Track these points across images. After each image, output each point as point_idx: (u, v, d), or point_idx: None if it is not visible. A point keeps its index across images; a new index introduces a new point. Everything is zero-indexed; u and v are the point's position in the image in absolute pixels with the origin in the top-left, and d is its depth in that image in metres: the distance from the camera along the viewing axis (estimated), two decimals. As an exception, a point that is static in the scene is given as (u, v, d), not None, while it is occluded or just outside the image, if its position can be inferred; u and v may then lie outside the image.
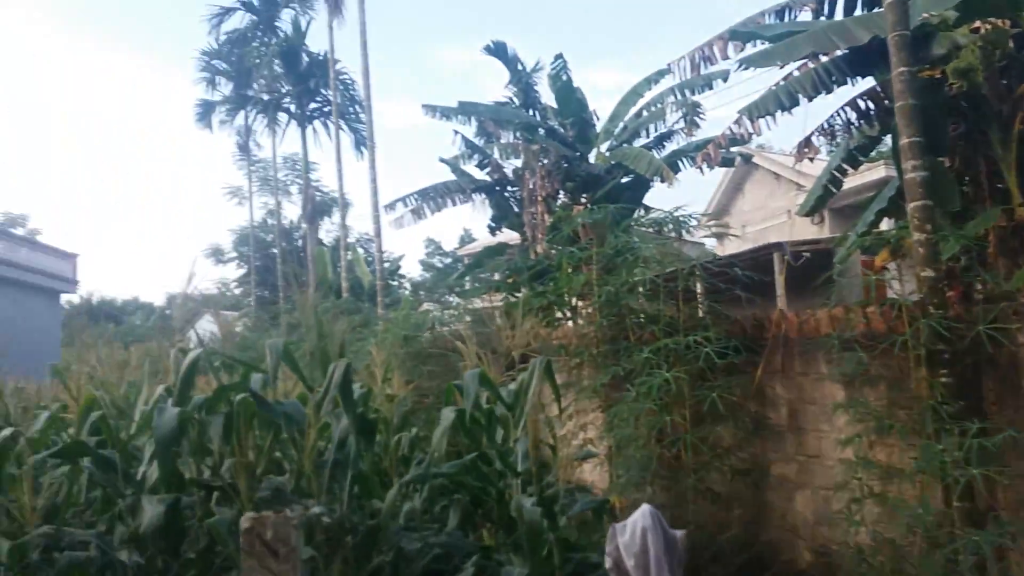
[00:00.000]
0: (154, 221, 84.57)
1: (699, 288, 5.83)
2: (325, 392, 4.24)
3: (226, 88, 29.27)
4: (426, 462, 4.32)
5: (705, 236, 11.24)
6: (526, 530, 3.59)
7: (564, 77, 13.41)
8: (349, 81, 27.37)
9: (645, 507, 3.18)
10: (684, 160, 12.68)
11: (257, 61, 26.78)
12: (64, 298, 24.81)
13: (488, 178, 14.16)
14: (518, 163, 13.54)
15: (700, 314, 5.52)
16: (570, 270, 7.71)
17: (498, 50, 14.07)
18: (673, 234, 7.14)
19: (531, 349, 6.30)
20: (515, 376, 4.38)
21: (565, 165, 13.19)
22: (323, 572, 3.74)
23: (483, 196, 14.20)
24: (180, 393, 4.03)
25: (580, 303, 7.40)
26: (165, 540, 3.60)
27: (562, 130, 13.90)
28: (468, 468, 4.12)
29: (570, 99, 13.58)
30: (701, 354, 4.75)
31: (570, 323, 7.59)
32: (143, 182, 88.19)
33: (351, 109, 27.50)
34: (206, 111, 29.14)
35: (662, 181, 11.58)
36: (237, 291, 36.69)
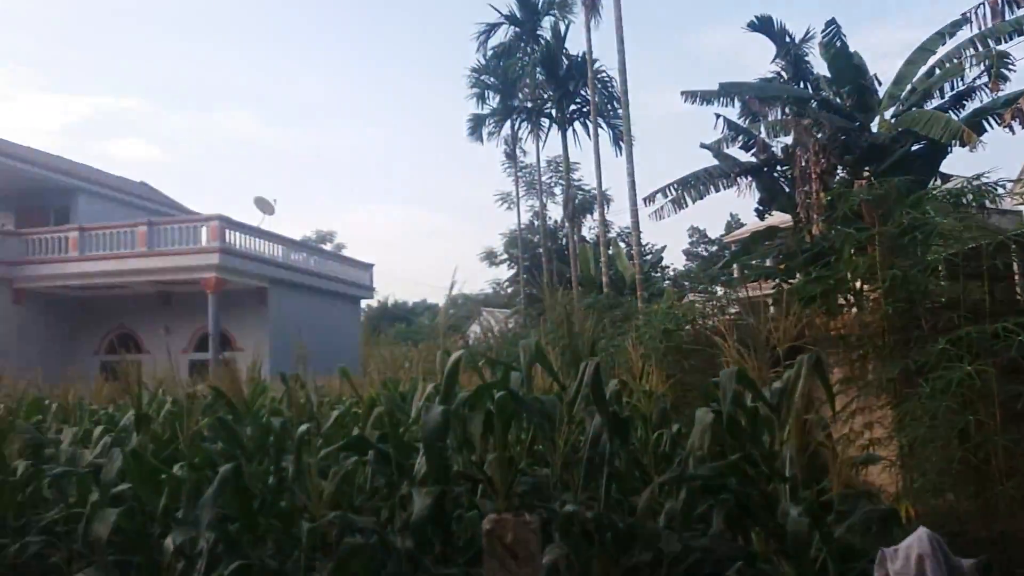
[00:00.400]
0: (440, 229, 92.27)
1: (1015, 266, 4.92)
2: (577, 390, 4.19)
3: (494, 101, 30.88)
4: (683, 461, 4.09)
5: (1020, 205, 9.62)
6: (791, 540, 3.24)
7: (838, 43, 12.28)
8: (607, 79, 27.62)
9: (922, 531, 2.69)
10: (990, 119, 11.02)
11: (519, 71, 27.93)
12: (363, 303, 27.93)
13: (754, 159, 13.42)
14: (787, 141, 12.65)
15: (1015, 296, 4.65)
16: (852, 252, 6.96)
17: (763, 25, 13.27)
18: (976, 205, 6.14)
19: (804, 341, 5.75)
20: (781, 373, 3.99)
21: (842, 137, 12.06)
22: (579, 570, 3.69)
23: (749, 179, 13.48)
24: (445, 391, 4.20)
25: (864, 288, 6.66)
26: (433, 529, 3.78)
27: (837, 100, 12.74)
28: (731, 470, 3.82)
29: (845, 66, 12.40)
30: (1013, 343, 3.98)
31: (854, 311, 6.85)
32: (429, 194, 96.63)
33: (609, 106, 27.71)
34: (477, 124, 30.99)
35: (962, 145, 10.14)
36: (509, 290, 38.73)
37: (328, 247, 41.70)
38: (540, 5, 28.55)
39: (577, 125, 29.42)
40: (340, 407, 5.75)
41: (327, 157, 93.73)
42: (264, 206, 23.38)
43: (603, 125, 27.03)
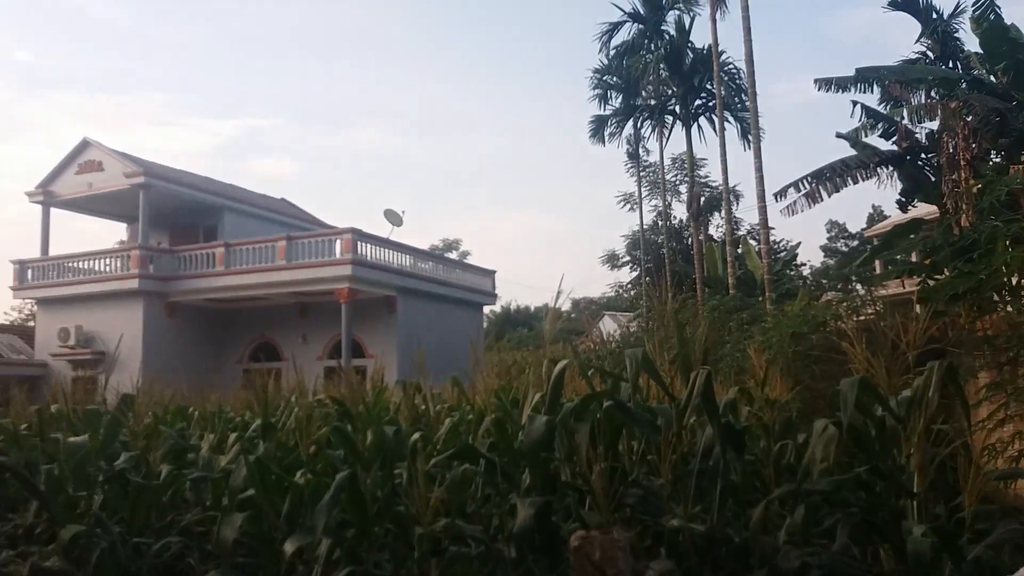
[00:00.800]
0: (562, 232, 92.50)
1: None
2: (687, 400, 4.03)
3: (616, 101, 30.53)
4: (803, 474, 3.86)
5: None
6: (912, 560, 2.97)
7: (991, 16, 11.31)
8: (733, 71, 26.74)
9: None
10: None
11: (643, 69, 27.46)
12: (487, 309, 28.34)
13: (895, 148, 12.58)
14: (932, 126, 11.78)
15: None
16: (1006, 244, 6.36)
17: (906, 2, 12.44)
18: None
19: (946, 343, 5.29)
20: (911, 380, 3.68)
21: (996, 119, 11.09)
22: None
23: (890, 169, 12.66)
24: (550, 402, 4.17)
25: (1021, 283, 6.07)
26: (537, 539, 3.74)
27: (991, 79, 11.73)
28: (853, 484, 3.56)
29: (1000, 40, 11.39)
30: None
31: (1008, 308, 6.26)
32: (552, 198, 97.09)
33: (736, 99, 26.81)
34: (599, 126, 30.73)
35: None
36: (631, 293, 38.17)
37: (454, 254, 42.66)
38: (664, 0, 28.00)
39: (702, 120, 28.66)
40: (455, 415, 5.82)
41: (454, 166, 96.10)
42: (393, 218, 24.21)
43: (730, 119, 26.20)
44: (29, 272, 23.05)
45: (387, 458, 4.63)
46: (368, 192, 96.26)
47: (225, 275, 21.46)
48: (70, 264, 22.87)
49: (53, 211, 24.35)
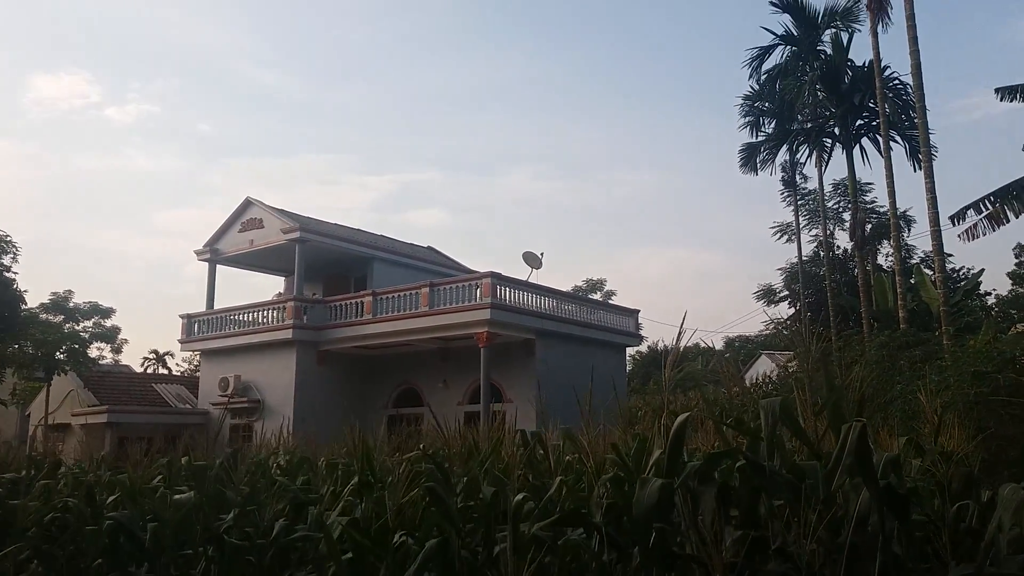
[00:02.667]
0: (712, 268, 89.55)
1: None
2: (837, 458, 3.31)
3: (769, 127, 29.08)
4: (986, 549, 3.03)
5: None
6: None
7: None
8: (899, 86, 24.72)
9: None
10: None
11: (796, 91, 25.96)
12: (631, 350, 27.41)
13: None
14: None
15: None
16: None
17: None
18: None
19: None
20: None
21: None
22: None
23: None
24: (669, 460, 3.55)
25: None
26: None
27: None
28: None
29: None
30: None
31: None
32: (701, 233, 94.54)
33: (902, 116, 24.68)
34: (750, 154, 29.31)
35: None
36: (790, 330, 35.81)
37: (598, 295, 41.98)
38: (820, 19, 26.47)
39: (865, 142, 26.60)
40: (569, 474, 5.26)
41: (599, 206, 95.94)
42: (532, 260, 24.07)
43: (896, 138, 24.14)
44: (195, 325, 24.78)
45: (486, 521, 4.16)
46: (515, 237, 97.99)
47: (372, 323, 22.03)
48: (231, 316, 24.37)
49: (222, 268, 26.22)
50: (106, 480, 6.27)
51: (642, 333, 26.15)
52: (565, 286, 37.11)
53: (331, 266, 25.85)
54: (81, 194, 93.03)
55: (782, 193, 31.35)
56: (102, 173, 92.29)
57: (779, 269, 37.74)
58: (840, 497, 3.53)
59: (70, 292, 29.56)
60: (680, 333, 4.36)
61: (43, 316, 28.32)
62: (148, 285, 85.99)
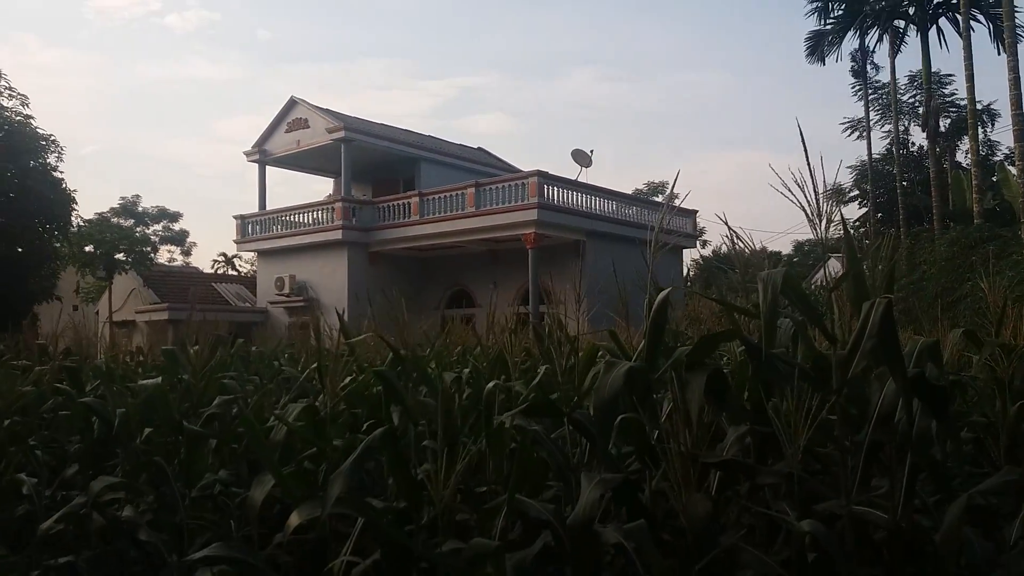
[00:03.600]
0: (780, 170, 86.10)
1: None
2: (855, 342, 2.70)
3: (838, 9, 26.73)
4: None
5: None
6: None
7: None
8: (982, -45, 22.24)
9: None
10: None
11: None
12: (688, 252, 26.45)
13: None
14: None
15: None
16: None
17: None
18: None
19: None
20: None
21: None
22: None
23: None
24: (649, 343, 2.99)
25: None
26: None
27: None
28: None
29: None
30: None
31: None
32: (768, 134, 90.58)
33: (985, -8, 22.27)
34: (817, 42, 27.16)
35: None
36: (860, 231, 34.03)
37: (660, 199, 40.63)
38: None
39: (943, 22, 24.25)
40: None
41: (664, 109, 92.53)
42: (581, 158, 23.13)
43: (977, 17, 21.85)
44: (249, 226, 24.91)
45: (457, 415, 3.72)
46: (576, 142, 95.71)
47: (419, 224, 21.69)
48: (283, 217, 24.36)
49: (284, 171, 26.12)
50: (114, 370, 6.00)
51: (705, 238, 25.19)
52: (626, 190, 35.96)
53: (379, 167, 25.43)
54: (145, 103, 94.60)
55: (852, 87, 29.15)
56: (165, 82, 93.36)
57: (849, 167, 35.60)
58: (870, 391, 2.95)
59: (138, 197, 30.16)
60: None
61: (114, 220, 29.01)
62: (216, 192, 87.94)
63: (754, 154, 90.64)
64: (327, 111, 24.35)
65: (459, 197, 21.11)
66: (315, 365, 4.00)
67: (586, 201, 21.21)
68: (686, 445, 2.93)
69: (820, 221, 3.00)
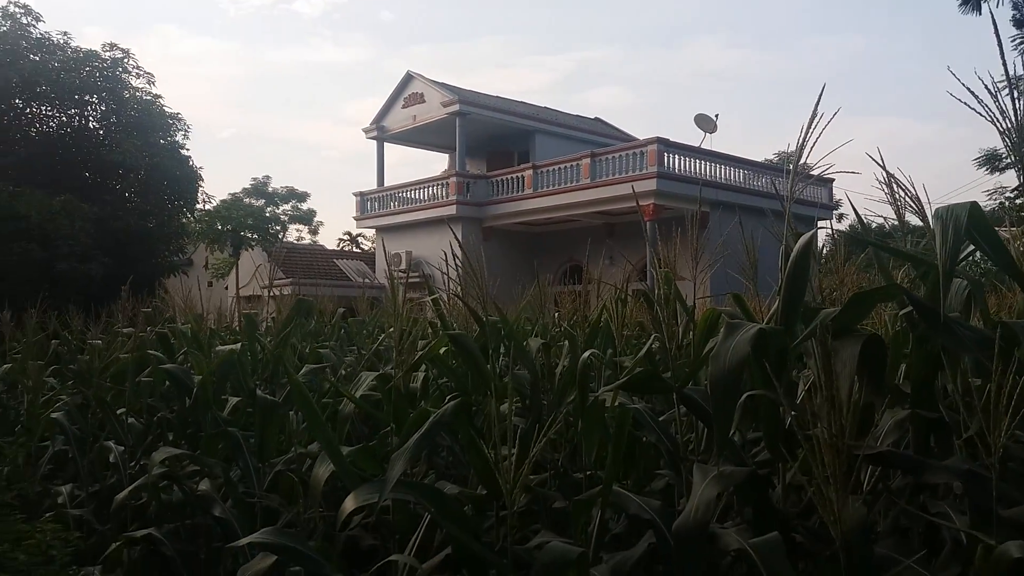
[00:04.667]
0: (927, 139, 79.89)
1: None
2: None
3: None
4: None
5: None
6: None
7: None
8: None
9: None
10: None
11: None
12: (823, 224, 24.66)
13: None
14: None
15: None
16: None
17: None
18: None
19: None
20: None
21: None
22: None
23: None
24: (784, 302, 2.35)
25: None
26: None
27: None
28: None
29: None
30: None
31: None
32: (914, 101, 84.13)
33: None
34: (973, -10, 24.44)
35: None
36: (1017, 202, 30.70)
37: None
38: None
39: None
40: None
41: (796, 76, 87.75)
42: (705, 124, 21.90)
43: None
44: (367, 203, 25.25)
45: (544, 388, 3.20)
46: (706, 110, 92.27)
47: (533, 197, 21.24)
48: (399, 194, 24.52)
49: (407, 149, 26.29)
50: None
51: (842, 211, 23.42)
52: (756, 159, 34.09)
53: (494, 141, 25.12)
54: (276, 87, 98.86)
55: (1013, 40, 26.10)
56: (294, 66, 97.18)
57: (1004, 132, 32.05)
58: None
59: (268, 177, 31.32)
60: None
61: (246, 200, 30.27)
62: (343, 173, 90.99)
63: (897, 121, 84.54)
64: (442, 85, 24.23)
65: (574, 168, 20.48)
66: (391, 330, 3.57)
67: (710, 169, 20.06)
68: (835, 432, 2.27)
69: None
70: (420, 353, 3.07)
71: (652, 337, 3.28)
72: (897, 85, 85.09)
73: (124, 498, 3.86)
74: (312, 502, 3.01)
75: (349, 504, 2.49)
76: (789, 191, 2.88)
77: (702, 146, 20.94)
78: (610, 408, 2.99)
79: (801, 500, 2.51)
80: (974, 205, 2.10)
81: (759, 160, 25.43)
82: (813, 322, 2.44)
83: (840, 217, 35.11)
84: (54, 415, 4.65)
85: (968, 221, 2.10)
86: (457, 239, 4.32)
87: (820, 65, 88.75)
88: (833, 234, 3.30)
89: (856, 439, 2.37)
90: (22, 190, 12.65)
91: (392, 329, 3.36)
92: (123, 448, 4.48)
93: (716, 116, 21.99)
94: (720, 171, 20.32)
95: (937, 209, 2.18)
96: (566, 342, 4.04)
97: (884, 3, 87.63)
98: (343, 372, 5.17)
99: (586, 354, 3.14)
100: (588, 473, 2.98)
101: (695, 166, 19.82)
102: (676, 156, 19.36)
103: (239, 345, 4.37)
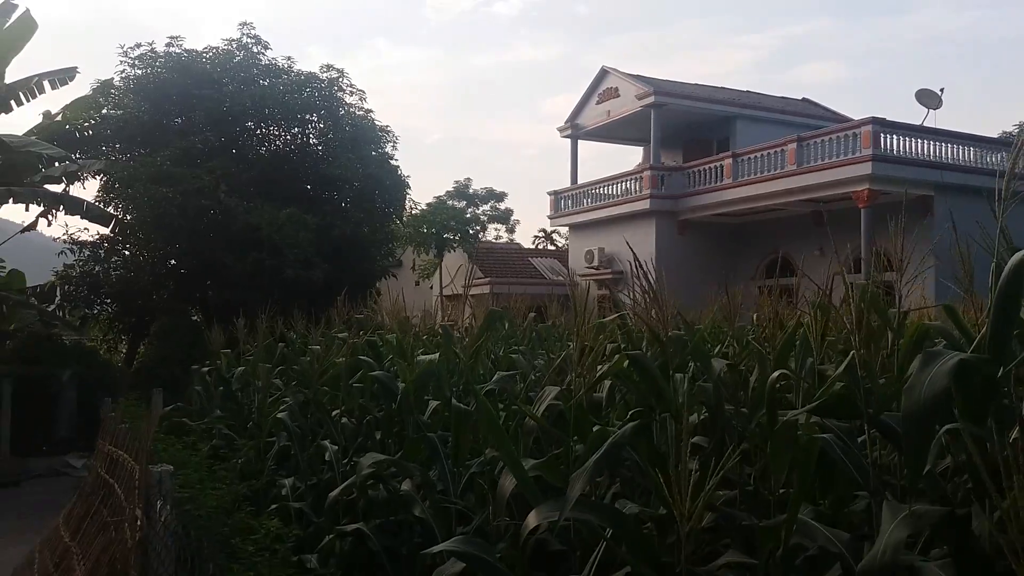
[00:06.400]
0: None
1: None
2: None
3: None
4: None
5: None
6: None
7: None
8: None
9: None
10: None
11: None
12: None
13: None
14: None
15: None
16: None
17: None
18: None
19: None
20: None
21: None
22: None
23: None
24: (994, 327, 2.11)
25: None
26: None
27: None
28: None
29: None
30: None
31: None
32: None
33: None
34: None
35: None
36: None
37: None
38: None
39: None
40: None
41: (1040, 34, 77.12)
42: (929, 99, 19.88)
43: None
44: (561, 201, 25.58)
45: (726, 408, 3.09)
46: (931, 83, 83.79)
47: (732, 187, 20.44)
48: (593, 190, 24.61)
49: (596, 144, 26.46)
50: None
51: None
52: (991, 134, 30.53)
53: (691, 130, 24.45)
54: (478, 90, 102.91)
55: None
56: (494, 68, 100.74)
57: None
58: None
59: (469, 180, 32.82)
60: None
61: (449, 202, 31.90)
62: (540, 170, 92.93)
63: None
64: (637, 77, 23.98)
65: (778, 155, 19.45)
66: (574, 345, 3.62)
67: (934, 149, 18.22)
68: None
69: None
70: (601, 371, 3.10)
71: (850, 353, 3.06)
72: None
73: (337, 495, 4.25)
74: (499, 509, 3.15)
75: (531, 520, 2.58)
76: (1008, 179, 2.60)
77: (925, 124, 19.07)
78: (804, 426, 2.86)
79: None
80: None
81: (992, 136, 22.71)
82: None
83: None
84: (279, 415, 5.21)
85: None
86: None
87: (1073, 18, 77.27)
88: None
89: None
90: (254, 204, 14.21)
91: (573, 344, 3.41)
92: (337, 447, 4.93)
93: (941, 90, 19.91)
94: (946, 150, 18.40)
95: None
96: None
97: None
98: (533, 377, 5.31)
99: (775, 374, 3.01)
100: (776, 497, 2.87)
101: (917, 146, 18.09)
102: (894, 137, 17.78)
103: (437, 355, 4.63)
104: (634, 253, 3.77)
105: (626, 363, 3.50)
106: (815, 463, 2.41)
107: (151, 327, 15.12)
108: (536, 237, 52.45)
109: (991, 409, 2.05)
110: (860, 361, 2.46)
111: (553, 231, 51.10)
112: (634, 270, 3.79)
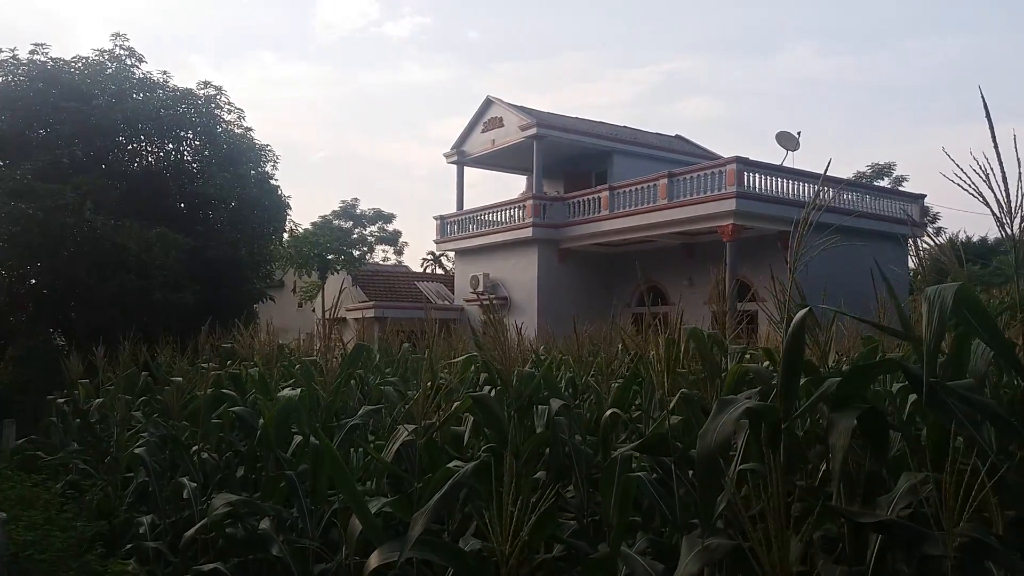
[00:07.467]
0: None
1: None
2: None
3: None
4: None
5: None
6: None
7: None
8: None
9: None
10: None
11: None
12: (913, 241, 23.66)
13: None
14: None
15: None
16: None
17: None
18: None
19: None
20: None
21: None
22: None
23: None
24: (783, 377, 2.41)
25: None
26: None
27: None
28: None
29: None
30: None
31: None
32: (1009, 106, 79.30)
33: None
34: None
35: None
36: None
37: (885, 182, 36.95)
38: None
39: None
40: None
41: (894, 83, 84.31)
42: (787, 141, 21.43)
43: None
44: (447, 226, 25.79)
45: (565, 446, 3.31)
46: (796, 122, 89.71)
47: (609, 219, 21.24)
48: (477, 217, 24.95)
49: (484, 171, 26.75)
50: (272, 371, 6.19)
51: (940, 224, 22.44)
52: (847, 173, 33.03)
53: (571, 162, 25.27)
54: (366, 109, 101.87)
55: None
56: (383, 87, 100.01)
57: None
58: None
59: (356, 200, 32.42)
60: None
61: (335, 222, 31.39)
62: (429, 192, 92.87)
63: (1008, 126, 79.75)
64: (520, 108, 24.58)
65: (651, 189, 20.40)
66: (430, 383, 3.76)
67: (793, 188, 19.60)
68: (840, 500, 2.37)
69: (1012, 218, 2.27)
70: (447, 414, 3.24)
71: (679, 393, 3.33)
72: (1009, 86, 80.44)
73: (193, 534, 4.19)
74: (351, 549, 3.22)
75: (373, 561, 2.68)
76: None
77: (784, 164, 20.50)
78: (637, 461, 3.10)
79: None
80: (961, 287, 2.13)
81: (849, 176, 24.66)
82: (813, 395, 2.51)
83: (939, 231, 33.55)
84: (136, 450, 5.06)
85: (957, 301, 2.12)
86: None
87: (920, 69, 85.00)
88: (920, 255, 3.30)
89: (863, 506, 2.42)
90: (122, 223, 13.60)
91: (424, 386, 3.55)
92: (196, 484, 4.84)
93: (798, 133, 21.51)
94: (804, 189, 19.83)
95: (927, 289, 2.21)
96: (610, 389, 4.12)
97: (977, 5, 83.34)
98: (403, 409, 5.38)
99: (608, 412, 3.25)
100: (610, 530, 3.09)
101: (777, 184, 19.42)
102: (756, 175, 19.02)
103: (299, 391, 4.64)
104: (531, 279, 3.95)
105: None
106: (632, 498, 2.64)
107: (6, 351, 14.12)
108: (425, 260, 52.40)
109: (778, 449, 2.33)
110: (663, 402, 2.71)
111: (442, 254, 51.24)
112: (519, 296, 3.99)
